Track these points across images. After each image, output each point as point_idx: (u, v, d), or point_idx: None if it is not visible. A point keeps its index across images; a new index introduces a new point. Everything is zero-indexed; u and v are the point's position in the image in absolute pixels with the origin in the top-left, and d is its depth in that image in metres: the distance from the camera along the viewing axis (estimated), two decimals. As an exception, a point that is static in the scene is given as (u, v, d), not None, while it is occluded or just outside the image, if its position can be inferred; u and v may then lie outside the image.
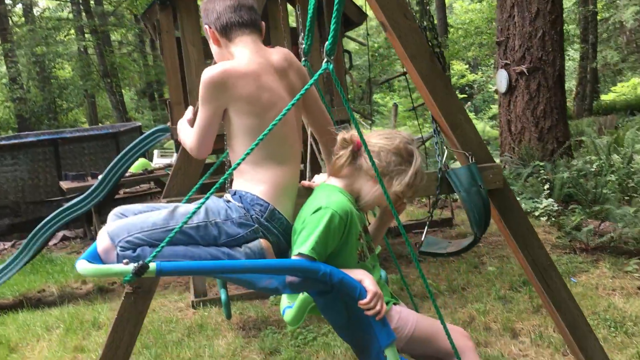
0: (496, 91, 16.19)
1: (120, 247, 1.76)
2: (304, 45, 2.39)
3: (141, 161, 7.62)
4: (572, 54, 23.21)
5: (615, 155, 7.63)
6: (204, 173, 2.66)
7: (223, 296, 4.24)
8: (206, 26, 2.03)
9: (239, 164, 1.74)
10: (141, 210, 1.94)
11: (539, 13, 7.89)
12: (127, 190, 7.67)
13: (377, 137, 1.99)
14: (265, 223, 1.88)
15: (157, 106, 25.99)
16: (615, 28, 26.94)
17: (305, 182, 2.47)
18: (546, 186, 6.99)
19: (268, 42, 5.05)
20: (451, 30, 20.34)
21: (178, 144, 4.63)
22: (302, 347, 3.94)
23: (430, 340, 2.00)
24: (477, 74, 23.17)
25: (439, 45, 2.72)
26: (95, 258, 1.79)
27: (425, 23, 2.80)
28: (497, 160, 9.05)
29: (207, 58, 5.16)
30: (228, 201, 1.89)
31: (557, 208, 6.52)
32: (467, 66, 22.88)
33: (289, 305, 3.65)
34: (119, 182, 6.69)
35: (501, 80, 8.09)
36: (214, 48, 2.08)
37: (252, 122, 1.89)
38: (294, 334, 4.11)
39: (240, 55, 1.98)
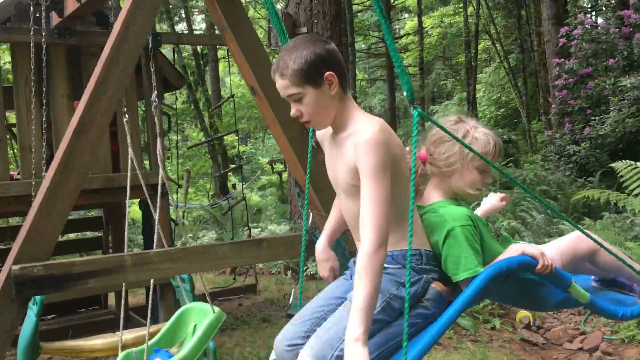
0: (280, 161, 16.84)
1: None
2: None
3: None
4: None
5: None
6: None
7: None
8: (328, 72, 1.84)
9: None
10: (306, 330, 1.92)
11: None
12: None
13: (428, 144, 2.12)
14: (427, 268, 1.88)
15: None
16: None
17: None
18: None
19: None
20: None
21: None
22: None
23: (575, 255, 2.13)
24: (246, 145, 23.99)
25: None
26: None
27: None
28: (288, 227, 9.42)
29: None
30: (385, 269, 1.78)
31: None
32: (237, 137, 23.59)
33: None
34: None
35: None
36: (322, 97, 1.86)
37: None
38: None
39: (359, 111, 1.91)
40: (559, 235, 8.07)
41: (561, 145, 10.70)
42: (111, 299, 6.59)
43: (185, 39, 5.05)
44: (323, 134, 2.04)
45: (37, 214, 2.22)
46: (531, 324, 5.60)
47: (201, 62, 19.23)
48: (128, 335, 4.38)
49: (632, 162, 6.97)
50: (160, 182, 3.06)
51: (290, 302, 2.86)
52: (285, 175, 18.45)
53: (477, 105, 23.38)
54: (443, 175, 2.08)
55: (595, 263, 2.20)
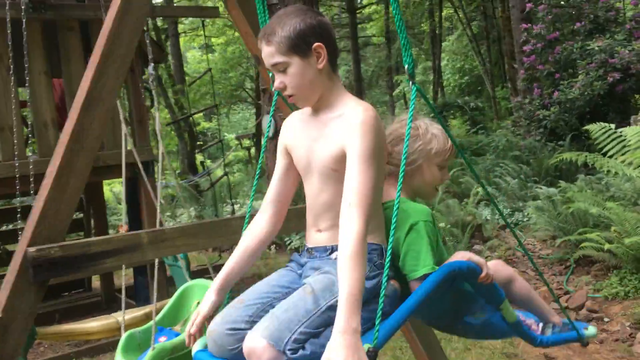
0: (248, 137, 16.71)
1: (290, 349, 1.55)
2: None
3: None
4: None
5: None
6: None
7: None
8: (317, 43, 1.74)
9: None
10: (251, 314, 1.74)
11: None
12: None
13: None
14: (385, 264, 1.72)
15: None
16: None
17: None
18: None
19: (59, 74, 4.55)
20: (187, 78, 20.58)
21: None
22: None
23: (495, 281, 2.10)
24: (211, 121, 23.70)
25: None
26: None
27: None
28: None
29: None
30: None
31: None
32: (202, 114, 23.29)
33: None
34: None
35: (267, 125, 8.43)
36: (309, 69, 1.75)
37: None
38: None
39: (348, 94, 1.83)
40: (533, 200, 8.25)
41: (530, 111, 10.84)
42: (95, 281, 6.48)
43: (171, 11, 4.90)
44: (294, 118, 1.96)
45: (50, 194, 2.12)
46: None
47: (162, 37, 18.79)
48: (125, 316, 4.32)
49: (606, 124, 7.12)
50: (160, 159, 2.98)
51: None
52: (253, 151, 18.33)
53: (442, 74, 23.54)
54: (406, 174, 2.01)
55: (510, 292, 2.18)
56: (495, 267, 2.12)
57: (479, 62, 20.85)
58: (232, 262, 1.95)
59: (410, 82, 1.72)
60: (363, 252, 1.59)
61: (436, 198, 8.33)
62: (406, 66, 1.70)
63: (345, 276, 1.53)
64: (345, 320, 1.46)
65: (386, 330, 1.63)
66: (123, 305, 3.52)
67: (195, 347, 1.81)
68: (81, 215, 6.12)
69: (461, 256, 1.87)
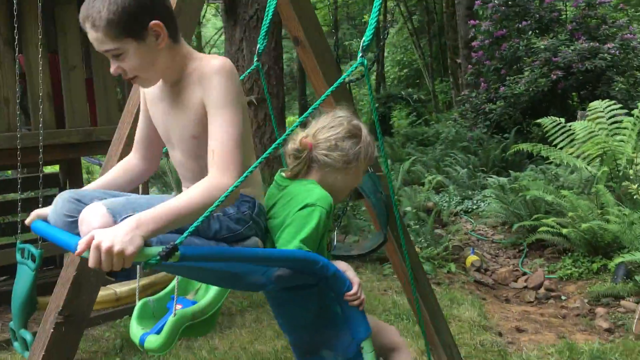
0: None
1: None
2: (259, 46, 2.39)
3: None
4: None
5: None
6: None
7: (28, 337, 3.58)
8: (153, 22, 1.54)
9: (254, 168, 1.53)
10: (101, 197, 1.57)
11: (265, 49, 8.54)
12: None
13: (325, 132, 1.96)
14: (256, 219, 1.75)
15: None
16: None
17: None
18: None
19: (56, 47, 4.49)
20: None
21: None
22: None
23: (375, 338, 1.93)
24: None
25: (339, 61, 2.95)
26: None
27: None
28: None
29: None
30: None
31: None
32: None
33: (146, 332, 3.36)
34: None
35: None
36: (148, 52, 1.56)
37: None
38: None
39: (197, 53, 1.70)
40: (482, 189, 8.69)
41: (477, 104, 11.34)
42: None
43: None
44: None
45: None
46: (482, 267, 6.09)
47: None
48: (122, 287, 4.36)
49: (556, 119, 7.62)
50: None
51: (335, 244, 2.99)
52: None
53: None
54: (332, 168, 1.93)
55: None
56: (384, 328, 2.17)
57: (418, 56, 21.44)
58: (97, 184, 1.84)
59: (360, 54, 1.69)
60: (209, 199, 1.46)
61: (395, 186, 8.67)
62: (364, 39, 1.71)
63: (184, 198, 1.46)
64: (145, 216, 1.37)
65: (207, 249, 1.58)
66: (138, 274, 3.57)
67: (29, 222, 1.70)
68: (57, 190, 6.00)
69: (343, 266, 1.82)
